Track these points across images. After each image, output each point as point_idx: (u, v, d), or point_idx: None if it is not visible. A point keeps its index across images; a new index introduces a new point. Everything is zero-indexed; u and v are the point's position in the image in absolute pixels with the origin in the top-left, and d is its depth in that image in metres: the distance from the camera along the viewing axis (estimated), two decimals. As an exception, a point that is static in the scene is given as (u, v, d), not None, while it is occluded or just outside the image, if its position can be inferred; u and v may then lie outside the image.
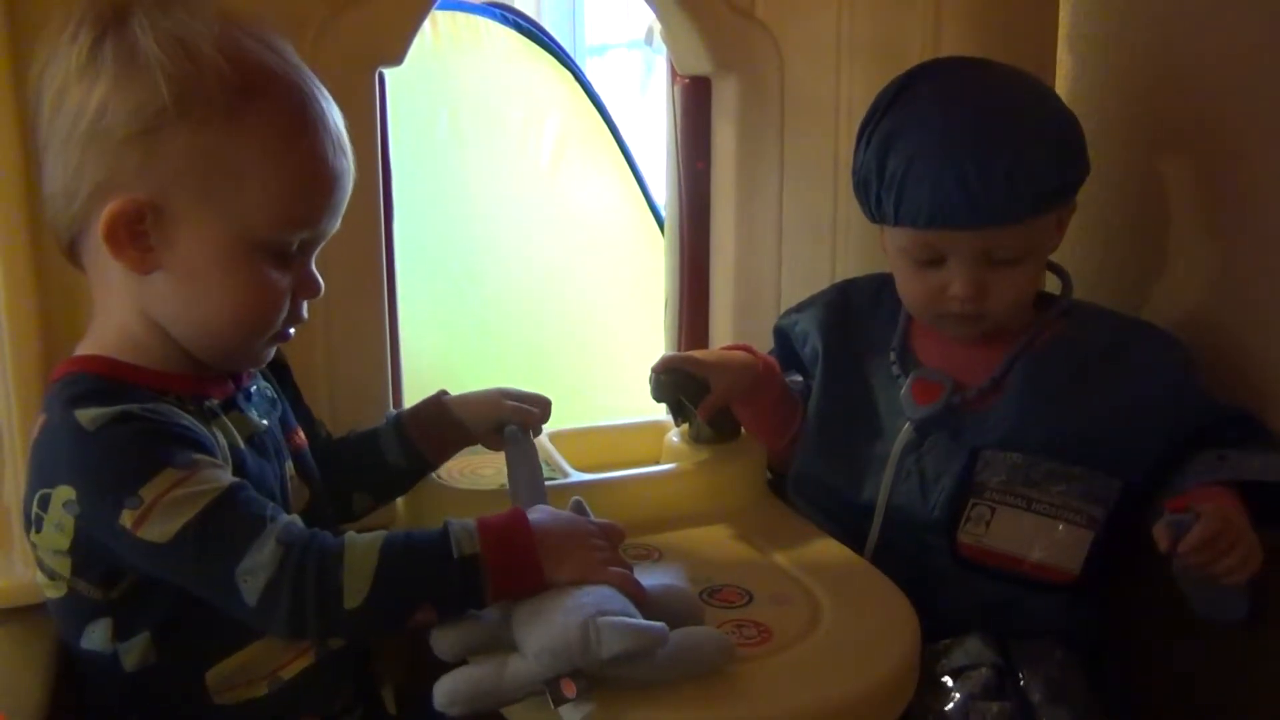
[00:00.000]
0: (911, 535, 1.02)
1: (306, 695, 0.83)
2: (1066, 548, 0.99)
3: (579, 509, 0.84)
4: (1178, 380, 1.02)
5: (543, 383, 1.79)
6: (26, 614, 0.93)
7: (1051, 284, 1.15)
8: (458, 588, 0.75)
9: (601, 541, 0.80)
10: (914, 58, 1.18)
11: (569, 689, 0.71)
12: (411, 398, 1.11)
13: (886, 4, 1.25)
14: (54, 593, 0.80)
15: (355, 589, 0.72)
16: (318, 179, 0.79)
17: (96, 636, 0.78)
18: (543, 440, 1.18)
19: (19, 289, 0.91)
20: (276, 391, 0.92)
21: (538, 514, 0.80)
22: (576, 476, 1.07)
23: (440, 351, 1.74)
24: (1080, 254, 1.30)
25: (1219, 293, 1.17)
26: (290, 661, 0.82)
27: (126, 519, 0.71)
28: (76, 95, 0.74)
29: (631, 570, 0.79)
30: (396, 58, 1.08)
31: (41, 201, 0.80)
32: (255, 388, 0.88)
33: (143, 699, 0.79)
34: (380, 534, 0.75)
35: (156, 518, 0.71)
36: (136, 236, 0.75)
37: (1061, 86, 1.31)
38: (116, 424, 0.73)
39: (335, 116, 0.80)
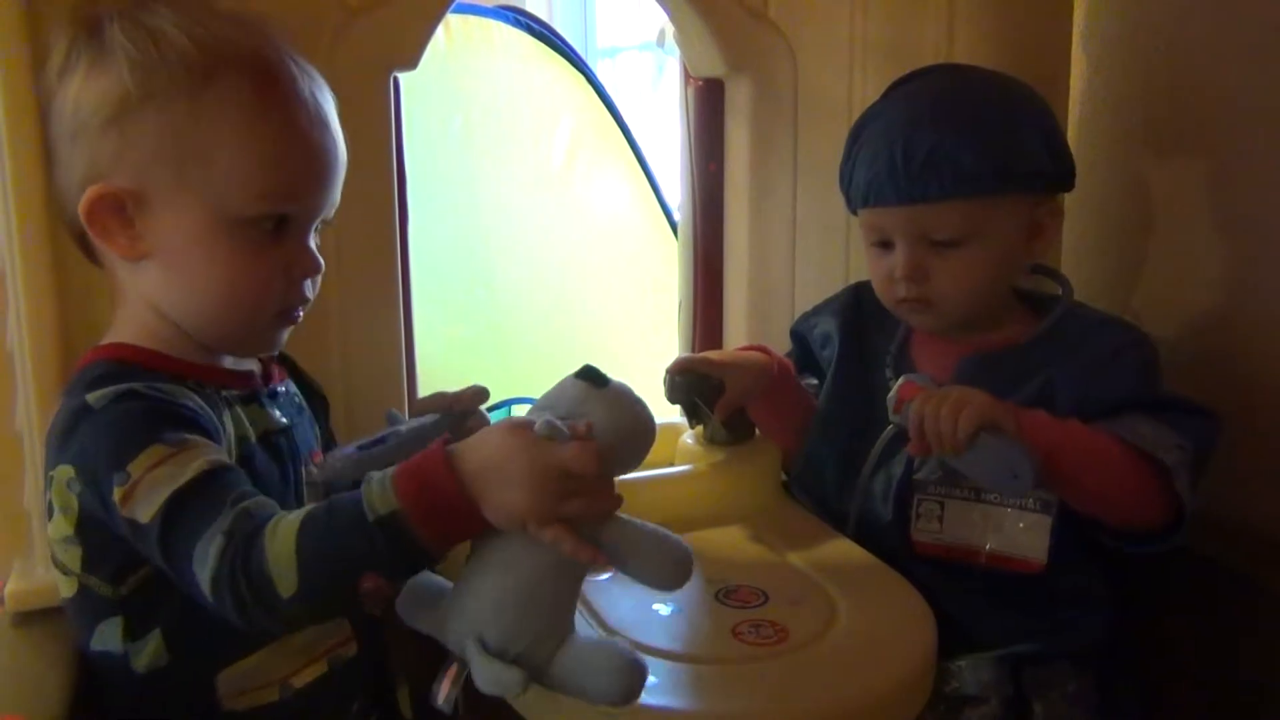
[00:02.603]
0: (879, 539, 1.02)
1: (318, 704, 0.83)
2: (1023, 534, 0.98)
3: (550, 430, 0.70)
4: (1124, 373, 0.99)
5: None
6: (47, 616, 0.93)
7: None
8: (387, 551, 0.68)
9: (535, 477, 0.69)
10: (927, 59, 1.18)
11: (446, 684, 0.73)
12: (426, 399, 1.11)
13: (900, 5, 1.25)
14: (67, 591, 0.80)
15: (285, 579, 0.68)
16: (292, 152, 0.78)
17: (108, 636, 0.78)
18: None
19: (39, 299, 0.92)
20: (307, 408, 0.92)
21: (481, 436, 0.71)
22: (591, 478, 1.07)
23: (454, 353, 1.74)
24: (1095, 253, 1.30)
25: (1233, 292, 1.16)
26: (302, 669, 0.82)
27: (117, 495, 0.71)
28: (60, 96, 0.77)
29: (613, 500, 0.72)
30: (411, 62, 1.08)
31: (57, 205, 0.82)
32: (284, 389, 0.89)
33: (153, 702, 0.79)
34: (300, 513, 0.70)
35: (141, 496, 0.70)
36: (123, 224, 0.77)
37: (1075, 87, 1.31)
38: (118, 401, 0.73)
39: (313, 90, 0.80)
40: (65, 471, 0.74)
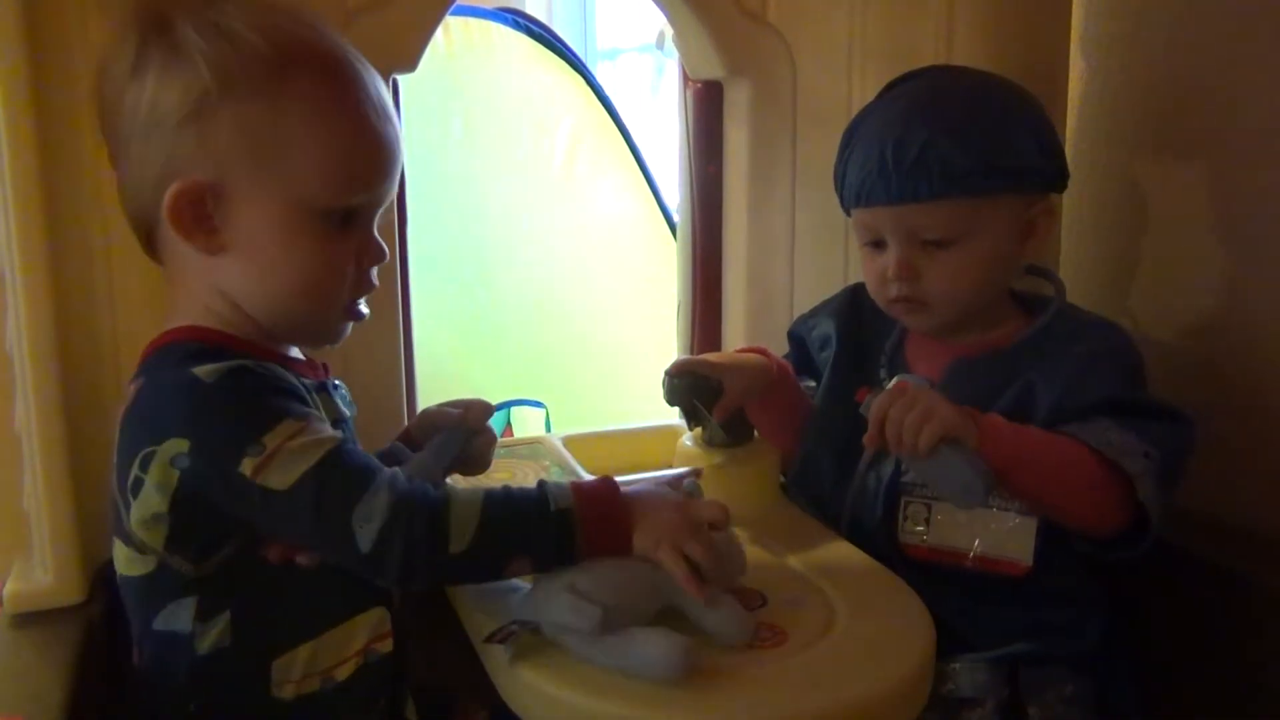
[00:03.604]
0: (869, 540, 1.02)
1: (351, 698, 0.84)
2: (1009, 536, 0.99)
3: (693, 488, 0.87)
4: (1103, 379, 0.98)
5: (555, 386, 1.82)
6: (46, 618, 0.94)
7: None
8: (553, 539, 0.78)
9: (679, 519, 0.81)
10: (926, 61, 1.18)
11: (504, 635, 0.79)
12: (424, 400, 1.11)
13: (898, 7, 1.25)
14: (137, 569, 0.80)
15: (460, 534, 0.75)
16: (362, 144, 0.82)
17: (178, 616, 0.79)
18: (556, 444, 1.19)
19: (38, 299, 0.92)
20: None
21: (641, 487, 0.84)
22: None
23: (453, 354, 1.75)
24: (1093, 255, 1.31)
25: (1231, 293, 1.16)
26: (348, 660, 0.83)
27: (247, 466, 0.73)
28: (132, 93, 0.79)
29: (706, 555, 0.80)
30: (410, 63, 1.08)
31: (120, 199, 0.84)
32: (340, 383, 0.91)
33: (208, 684, 0.80)
34: (480, 488, 0.79)
35: (277, 465, 0.74)
36: (201, 219, 0.79)
37: (1074, 89, 1.31)
38: (233, 376, 0.76)
39: (377, 85, 0.84)
40: (176, 445, 0.75)
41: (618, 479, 0.84)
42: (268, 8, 0.81)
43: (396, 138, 0.84)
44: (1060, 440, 0.94)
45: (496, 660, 0.82)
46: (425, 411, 0.98)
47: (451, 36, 1.80)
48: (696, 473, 0.93)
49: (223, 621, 0.79)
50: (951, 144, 0.97)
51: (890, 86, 1.07)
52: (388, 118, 0.83)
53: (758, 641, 0.83)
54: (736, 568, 0.88)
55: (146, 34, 0.79)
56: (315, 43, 0.81)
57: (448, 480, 0.92)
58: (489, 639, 0.80)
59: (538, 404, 1.81)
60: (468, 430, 0.94)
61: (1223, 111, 1.16)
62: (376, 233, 0.86)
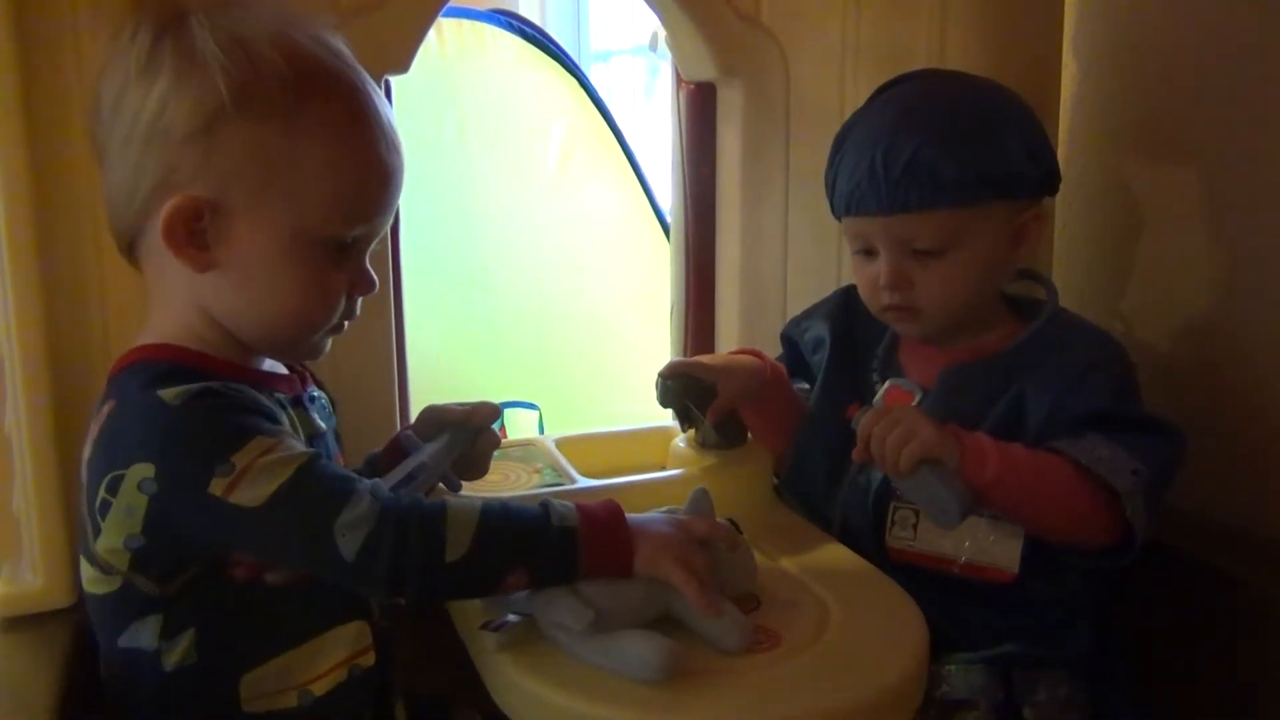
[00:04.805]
0: (858, 544, 1.02)
1: (333, 713, 0.82)
2: (996, 543, 0.99)
3: (700, 499, 0.89)
4: (1094, 391, 0.98)
5: (549, 388, 1.82)
6: (36, 621, 0.93)
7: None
8: (553, 554, 0.77)
9: (679, 533, 0.82)
10: (919, 63, 1.18)
11: (495, 625, 0.80)
12: (418, 402, 1.11)
13: (892, 9, 1.25)
14: (102, 588, 0.79)
15: (457, 541, 0.74)
16: (373, 175, 0.80)
17: (144, 634, 0.78)
18: (549, 446, 1.19)
19: (27, 302, 0.92)
20: (331, 407, 0.93)
21: (638, 515, 0.83)
22: (583, 482, 1.07)
23: (447, 356, 1.74)
24: (1086, 258, 1.31)
25: (1225, 296, 1.17)
26: (325, 674, 0.81)
27: (217, 487, 0.72)
28: (136, 96, 0.76)
29: (706, 566, 0.82)
30: (403, 65, 1.08)
31: (103, 202, 0.81)
32: (315, 394, 0.90)
33: (175, 702, 0.79)
34: (479, 497, 0.78)
35: (249, 482, 0.72)
36: (195, 234, 0.77)
37: (1066, 91, 1.31)
38: (200, 398, 0.74)
39: (388, 114, 0.82)
40: (141, 470, 0.73)
41: (616, 481, 0.81)
42: (285, 20, 0.78)
43: (402, 169, 0.82)
44: (1046, 458, 0.94)
45: (488, 663, 0.82)
46: (430, 408, 0.97)
47: (444, 38, 1.80)
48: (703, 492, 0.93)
49: (187, 639, 0.78)
50: (940, 154, 0.96)
51: (880, 91, 1.07)
52: (396, 149, 0.82)
53: (751, 645, 0.83)
54: (747, 575, 0.89)
55: (161, 34, 0.76)
56: (333, 67, 0.79)
57: (441, 484, 0.92)
58: (483, 626, 0.80)
59: (531, 406, 1.81)
60: (473, 429, 0.93)
61: (1215, 113, 1.17)
62: (368, 262, 0.84)
